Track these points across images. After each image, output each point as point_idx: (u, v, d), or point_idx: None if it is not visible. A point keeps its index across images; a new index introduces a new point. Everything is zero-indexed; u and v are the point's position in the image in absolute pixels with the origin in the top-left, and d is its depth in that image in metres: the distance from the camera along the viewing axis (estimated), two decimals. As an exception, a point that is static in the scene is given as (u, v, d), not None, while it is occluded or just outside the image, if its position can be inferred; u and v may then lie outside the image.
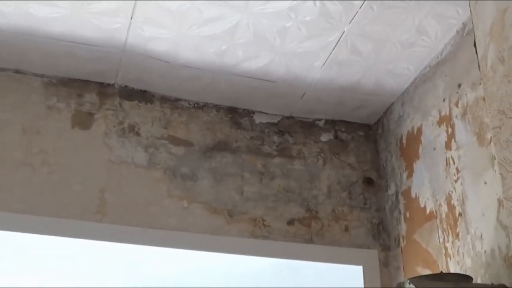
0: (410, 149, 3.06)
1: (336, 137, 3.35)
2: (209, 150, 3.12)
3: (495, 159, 2.27)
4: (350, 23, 2.76)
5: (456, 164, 2.68)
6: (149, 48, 2.88)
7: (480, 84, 2.46)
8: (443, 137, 2.80)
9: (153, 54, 2.91)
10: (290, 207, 3.10)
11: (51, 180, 2.84)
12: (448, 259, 2.65)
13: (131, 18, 2.73)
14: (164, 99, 3.16)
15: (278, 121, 3.30)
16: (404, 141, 3.12)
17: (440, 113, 2.84)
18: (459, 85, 2.73)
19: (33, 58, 2.93)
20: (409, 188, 3.02)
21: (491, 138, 2.33)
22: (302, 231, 3.07)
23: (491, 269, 2.37)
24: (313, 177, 3.21)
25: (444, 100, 2.82)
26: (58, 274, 3.25)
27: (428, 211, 2.85)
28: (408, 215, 3.00)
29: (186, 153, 3.08)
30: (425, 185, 2.89)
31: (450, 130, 2.76)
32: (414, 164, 3.00)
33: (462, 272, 2.51)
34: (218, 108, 3.24)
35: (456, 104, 2.73)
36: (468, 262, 2.52)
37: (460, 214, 2.62)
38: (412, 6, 2.68)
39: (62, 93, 3.02)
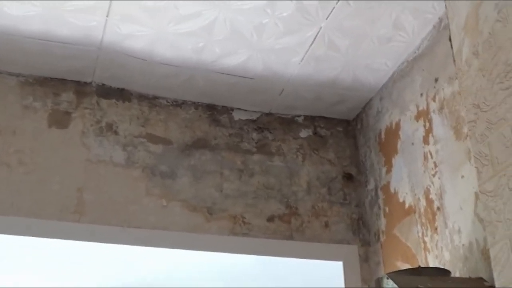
0: (388, 144, 3.07)
1: (315, 133, 3.34)
2: (188, 148, 3.11)
3: (471, 153, 2.28)
4: (327, 18, 2.76)
5: (434, 158, 2.69)
6: (126, 46, 2.86)
7: (456, 78, 2.47)
8: (421, 132, 2.80)
9: (130, 52, 2.89)
10: (269, 204, 3.10)
11: (28, 180, 2.81)
12: (427, 253, 2.66)
13: (107, 16, 2.70)
14: (142, 97, 3.14)
15: (257, 118, 3.29)
16: (383, 136, 3.13)
17: (418, 108, 2.85)
18: (436, 80, 2.73)
19: (8, 57, 2.90)
20: (388, 183, 3.02)
21: (467, 132, 2.34)
22: (282, 228, 3.07)
23: (469, 263, 2.38)
24: (292, 173, 3.21)
25: (421, 94, 2.83)
26: (35, 275, 3.22)
27: (407, 205, 2.86)
28: (387, 210, 3.01)
29: (164, 151, 3.06)
30: (404, 180, 2.90)
31: (427, 124, 2.76)
32: (393, 159, 3.01)
33: (441, 266, 2.52)
34: (196, 105, 3.22)
35: (434, 99, 2.74)
36: (447, 255, 2.53)
37: (438, 208, 2.63)
38: (389, 1, 2.68)
39: (38, 92, 2.99)
